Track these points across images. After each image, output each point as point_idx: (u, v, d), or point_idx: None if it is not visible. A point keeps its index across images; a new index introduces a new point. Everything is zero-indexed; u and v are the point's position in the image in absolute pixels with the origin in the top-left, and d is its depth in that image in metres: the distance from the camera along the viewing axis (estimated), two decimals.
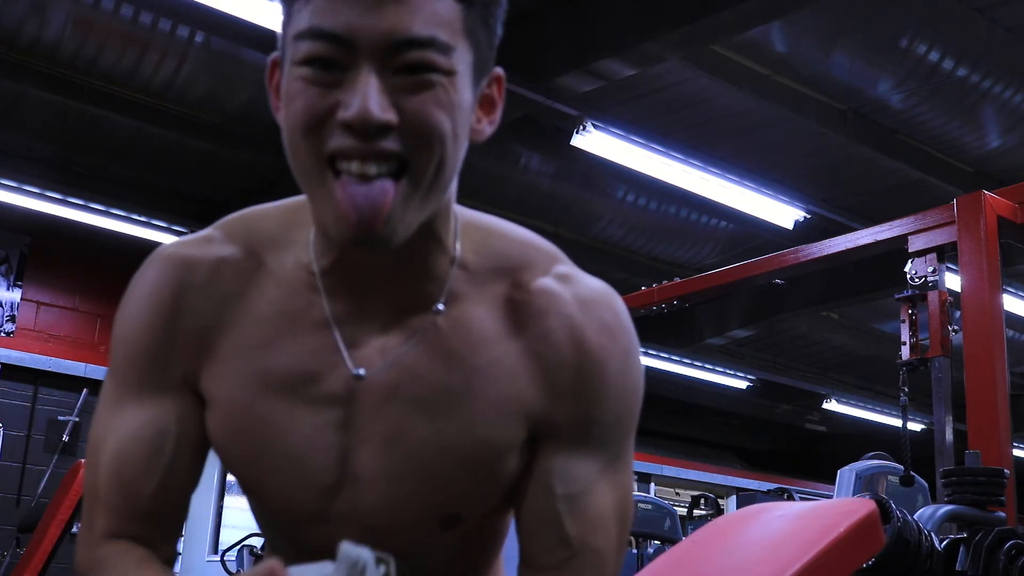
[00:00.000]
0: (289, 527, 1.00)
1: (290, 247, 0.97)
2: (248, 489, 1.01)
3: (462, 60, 0.86)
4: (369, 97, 0.81)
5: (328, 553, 0.80)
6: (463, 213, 0.99)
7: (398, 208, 0.84)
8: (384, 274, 0.93)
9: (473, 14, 0.86)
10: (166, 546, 1.00)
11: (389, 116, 0.82)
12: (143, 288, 1.00)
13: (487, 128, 0.93)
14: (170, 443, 0.97)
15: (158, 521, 0.98)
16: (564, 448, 0.94)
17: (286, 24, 0.86)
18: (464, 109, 0.87)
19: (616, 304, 0.98)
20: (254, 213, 1.01)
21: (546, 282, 0.96)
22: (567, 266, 1.00)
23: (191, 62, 5.92)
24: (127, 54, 5.85)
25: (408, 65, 0.83)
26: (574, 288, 0.97)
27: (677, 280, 5.02)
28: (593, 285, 0.99)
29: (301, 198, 0.96)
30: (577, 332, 0.94)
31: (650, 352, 9.42)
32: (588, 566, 0.94)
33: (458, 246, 0.95)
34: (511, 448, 0.94)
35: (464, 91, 0.87)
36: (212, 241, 1.00)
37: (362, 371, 0.93)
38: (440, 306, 0.94)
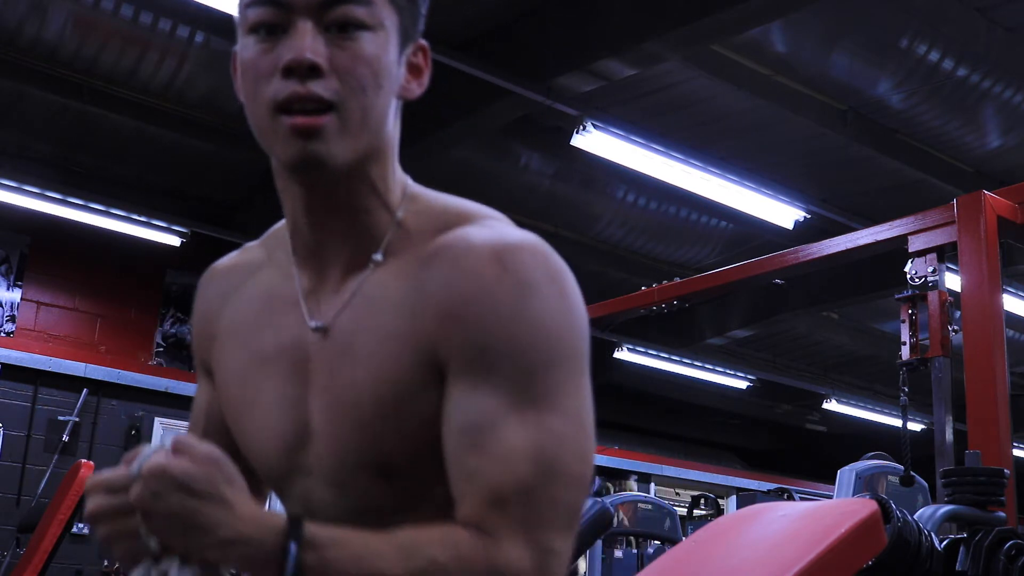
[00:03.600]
0: (278, 485, 1.07)
1: (283, 234, 1.11)
2: (247, 457, 1.09)
3: (386, 20, 0.98)
4: (303, 43, 0.94)
5: (311, 507, 0.93)
6: (415, 185, 1.07)
7: (330, 131, 0.95)
8: (328, 223, 1.02)
9: None
10: None
11: (319, 59, 0.94)
12: None
13: (416, 89, 1.05)
14: (201, 418, 1.15)
15: None
16: (461, 378, 0.93)
17: (240, 3, 1.02)
18: (388, 63, 0.99)
19: (531, 247, 0.96)
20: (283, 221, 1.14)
21: (465, 229, 0.99)
22: (502, 224, 1.02)
23: (191, 62, 5.92)
24: (127, 54, 5.85)
25: (337, 22, 0.96)
26: (490, 233, 0.98)
27: (677, 280, 5.02)
28: (515, 233, 0.98)
29: None
30: (471, 263, 0.95)
31: (650, 352, 9.42)
32: (488, 503, 0.89)
33: (401, 210, 1.03)
34: (419, 388, 0.95)
35: (388, 48, 0.99)
36: (245, 249, 1.17)
37: (314, 323, 1.02)
38: (378, 256, 1.02)
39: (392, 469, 0.98)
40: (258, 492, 1.13)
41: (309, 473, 1.02)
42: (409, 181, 1.07)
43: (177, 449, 0.86)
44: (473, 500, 0.90)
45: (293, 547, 0.84)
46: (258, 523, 0.86)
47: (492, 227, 0.99)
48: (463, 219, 1.00)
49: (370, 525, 0.91)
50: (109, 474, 0.89)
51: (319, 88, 0.95)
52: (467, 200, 1.05)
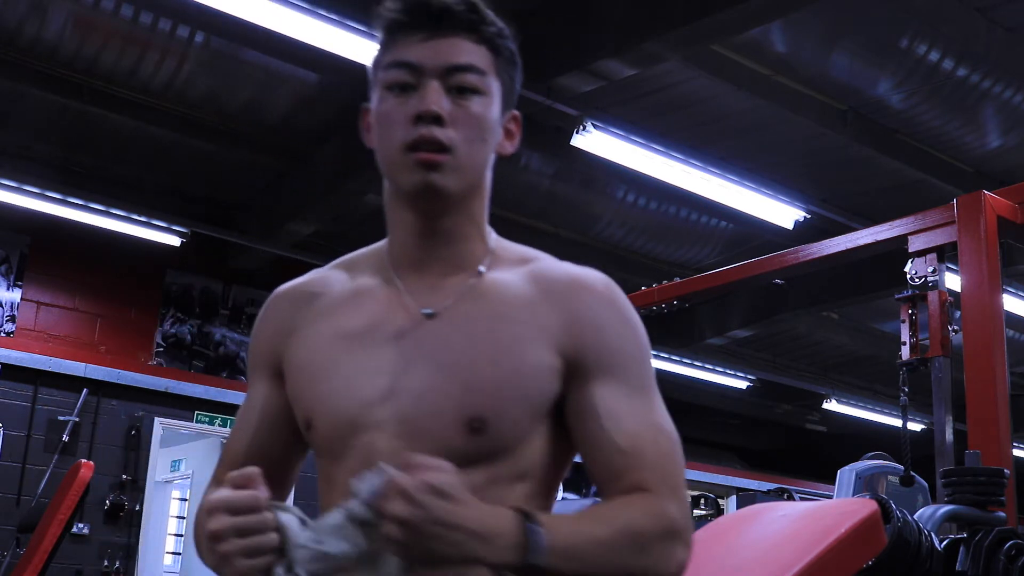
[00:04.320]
0: (338, 442, 1.21)
1: (370, 257, 1.32)
2: (306, 420, 1.25)
3: (492, 87, 1.24)
4: (432, 98, 1.19)
5: (369, 466, 1.06)
6: (501, 238, 1.32)
7: (446, 167, 1.20)
8: (435, 246, 1.25)
9: (500, 60, 1.26)
10: None
11: (442, 109, 1.19)
12: None
13: (508, 148, 1.30)
14: (254, 416, 1.32)
15: None
16: (596, 372, 1.20)
17: (377, 61, 1.25)
18: (492, 121, 1.25)
19: (613, 282, 1.28)
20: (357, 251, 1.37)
21: (555, 262, 1.29)
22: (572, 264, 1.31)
23: (191, 62, 5.91)
24: (127, 54, 5.85)
25: (457, 86, 1.21)
26: (579, 267, 1.28)
27: (677, 280, 5.02)
28: (595, 271, 1.29)
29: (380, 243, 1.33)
30: (586, 284, 1.25)
31: (650, 352, 9.39)
32: (644, 470, 1.16)
33: (493, 244, 1.29)
34: (537, 365, 1.19)
35: (493, 109, 1.25)
36: (314, 273, 1.35)
37: (429, 310, 1.22)
38: (482, 268, 1.26)
39: (484, 424, 1.17)
40: (281, 488, 1.32)
41: (380, 428, 1.18)
42: (494, 232, 1.31)
43: (413, 466, 1.03)
44: (631, 469, 1.17)
45: (536, 529, 1.05)
46: (496, 515, 1.06)
47: (583, 268, 1.29)
48: (541, 257, 1.29)
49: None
50: (228, 495, 1.06)
51: (441, 134, 1.19)
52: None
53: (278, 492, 1.28)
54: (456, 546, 1.02)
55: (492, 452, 1.18)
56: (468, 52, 1.22)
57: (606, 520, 1.12)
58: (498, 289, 1.24)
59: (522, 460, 1.20)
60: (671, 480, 1.18)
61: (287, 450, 1.32)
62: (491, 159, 1.27)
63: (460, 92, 1.21)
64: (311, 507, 1.12)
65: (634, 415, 1.19)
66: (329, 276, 1.33)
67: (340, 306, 1.28)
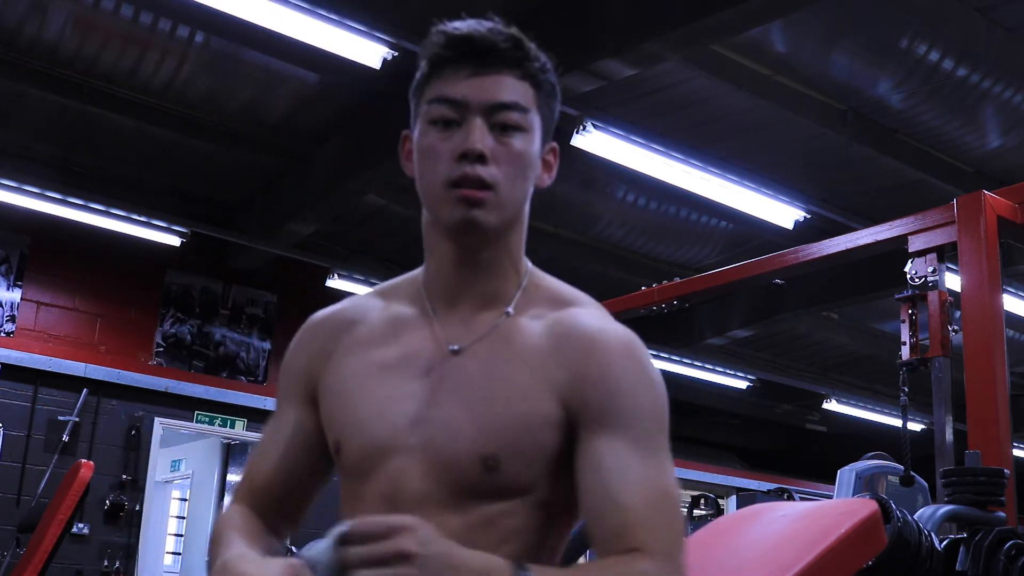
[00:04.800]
0: (368, 464, 1.24)
1: (408, 285, 1.35)
2: (337, 442, 1.28)
3: (534, 123, 1.27)
4: (476, 136, 1.22)
5: (398, 489, 1.19)
6: (536, 269, 1.35)
7: (488, 204, 1.23)
8: (470, 277, 1.28)
9: (542, 95, 1.28)
10: (279, 523, 1.35)
11: (486, 148, 1.22)
12: None
13: (546, 180, 1.34)
14: (284, 439, 1.34)
15: (271, 498, 1.34)
16: (600, 430, 1.20)
17: (419, 91, 1.27)
18: (532, 156, 1.27)
19: (636, 340, 1.27)
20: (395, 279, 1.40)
21: (584, 312, 1.29)
22: (605, 313, 1.31)
23: (191, 62, 5.92)
24: (127, 54, 5.85)
25: (500, 123, 1.24)
26: (604, 323, 1.28)
27: (677, 280, 5.01)
28: (621, 327, 1.28)
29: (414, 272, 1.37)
30: (600, 343, 1.24)
31: (650, 352, 9.38)
32: (642, 530, 1.15)
33: (526, 279, 1.32)
34: (545, 416, 1.21)
35: (534, 145, 1.27)
36: (348, 301, 1.40)
37: (456, 346, 1.26)
38: (510, 309, 1.28)
39: (498, 462, 1.19)
40: (298, 512, 1.38)
41: (409, 452, 1.22)
42: (529, 262, 1.35)
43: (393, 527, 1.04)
44: (630, 527, 1.15)
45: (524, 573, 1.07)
46: (489, 561, 1.08)
47: (605, 318, 1.29)
48: (574, 301, 1.30)
49: (458, 506, 1.19)
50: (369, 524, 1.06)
51: (484, 172, 1.22)
52: (569, 286, 1.35)
53: (295, 516, 1.37)
54: None
55: (508, 488, 1.21)
56: (512, 89, 1.25)
57: (597, 573, 1.14)
58: (521, 333, 1.26)
59: (538, 498, 1.22)
60: (670, 546, 1.17)
61: (312, 476, 1.36)
62: (530, 192, 1.30)
63: (503, 129, 1.24)
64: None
65: (639, 474, 1.18)
66: (367, 304, 1.36)
67: (376, 336, 1.31)
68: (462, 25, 1.25)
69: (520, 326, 1.27)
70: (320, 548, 1.04)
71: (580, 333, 1.25)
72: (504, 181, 1.23)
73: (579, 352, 1.24)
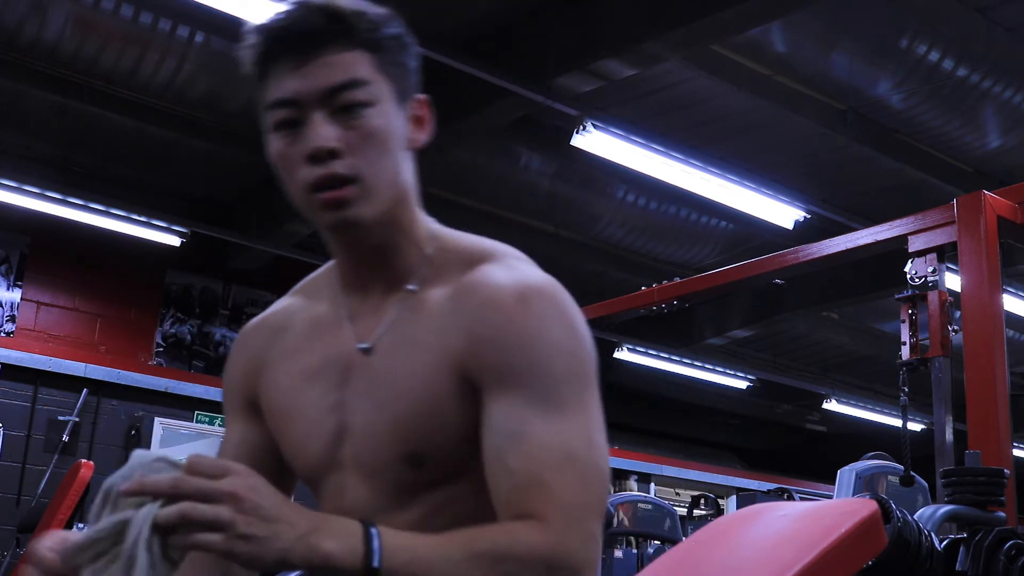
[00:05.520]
0: (315, 481, 1.23)
1: (327, 277, 1.29)
2: (288, 460, 1.26)
3: (381, 91, 1.15)
4: (318, 133, 1.12)
5: (340, 502, 1.18)
6: (437, 225, 1.25)
7: (355, 198, 1.13)
8: (370, 266, 1.22)
9: (384, 54, 1.15)
10: None
11: (333, 143, 1.12)
12: None
13: (421, 137, 1.22)
14: (231, 455, 1.28)
15: None
16: (493, 392, 1.11)
17: (261, 100, 1.16)
18: (392, 129, 1.16)
19: (537, 288, 1.15)
20: (314, 273, 1.34)
21: (491, 267, 1.18)
22: (523, 263, 1.20)
23: (191, 62, 5.92)
24: (127, 54, 5.85)
25: (342, 106, 1.13)
26: (513, 273, 1.17)
27: (677, 280, 5.02)
28: (533, 274, 1.17)
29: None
30: (493, 297, 1.14)
31: (650, 352, 9.41)
32: (533, 495, 1.05)
33: (428, 247, 1.22)
34: (449, 395, 1.13)
35: (389, 116, 1.16)
36: (276, 305, 1.34)
37: (365, 344, 1.20)
38: (411, 287, 1.20)
39: (422, 458, 1.15)
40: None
41: (343, 466, 1.19)
42: (431, 221, 1.25)
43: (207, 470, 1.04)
44: (519, 492, 1.05)
45: (374, 531, 0.99)
46: (330, 517, 1.01)
47: (514, 267, 1.17)
48: (486, 257, 1.19)
49: (400, 505, 1.15)
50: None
51: (339, 167, 1.12)
52: (486, 239, 1.23)
53: None
54: (282, 541, 0.96)
55: (444, 477, 1.16)
56: (344, 66, 1.13)
57: (467, 542, 1.02)
58: (425, 310, 1.18)
59: (481, 476, 1.12)
60: (572, 511, 1.04)
61: (273, 482, 1.28)
62: (403, 160, 1.19)
63: (348, 111, 1.13)
64: None
65: (538, 435, 1.07)
66: (291, 306, 1.31)
67: (300, 343, 1.26)
68: (276, 17, 1.15)
69: (425, 301, 1.18)
70: (133, 470, 1.02)
71: (476, 292, 1.15)
72: (366, 167, 1.13)
73: (474, 312, 1.13)
